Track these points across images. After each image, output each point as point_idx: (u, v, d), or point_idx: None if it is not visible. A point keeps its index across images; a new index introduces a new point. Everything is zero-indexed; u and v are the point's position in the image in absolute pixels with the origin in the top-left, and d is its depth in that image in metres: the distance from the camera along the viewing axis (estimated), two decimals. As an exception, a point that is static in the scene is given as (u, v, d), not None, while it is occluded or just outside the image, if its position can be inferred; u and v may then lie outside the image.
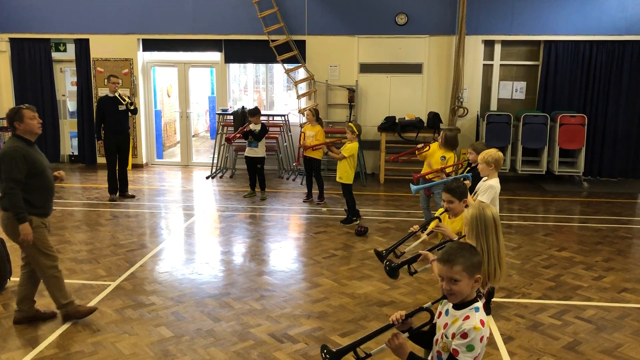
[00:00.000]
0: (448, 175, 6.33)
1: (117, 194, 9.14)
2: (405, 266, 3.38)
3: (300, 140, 9.21)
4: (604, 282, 5.84)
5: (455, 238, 3.62)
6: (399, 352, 2.51)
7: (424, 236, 3.96)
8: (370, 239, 7.22)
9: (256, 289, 5.58)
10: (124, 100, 8.98)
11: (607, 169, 11.10)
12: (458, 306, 2.47)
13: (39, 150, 4.72)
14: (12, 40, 11.73)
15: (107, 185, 9.17)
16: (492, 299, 5.09)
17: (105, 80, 9.27)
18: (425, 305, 2.63)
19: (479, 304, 2.46)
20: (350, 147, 7.66)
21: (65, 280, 5.16)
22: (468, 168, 6.07)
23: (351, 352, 2.55)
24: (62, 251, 6.52)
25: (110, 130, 8.91)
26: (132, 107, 9.05)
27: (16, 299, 4.83)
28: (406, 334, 2.56)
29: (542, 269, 6.20)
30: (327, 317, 4.96)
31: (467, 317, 2.42)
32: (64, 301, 4.76)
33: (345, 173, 7.72)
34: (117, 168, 9.06)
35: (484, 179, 4.88)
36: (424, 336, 2.68)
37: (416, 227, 3.93)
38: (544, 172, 10.63)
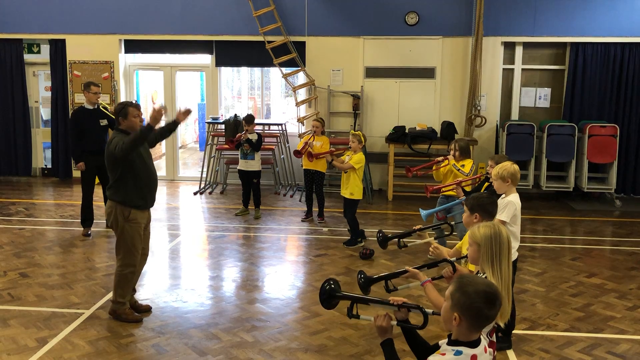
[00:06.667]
0: (467, 193, 6.29)
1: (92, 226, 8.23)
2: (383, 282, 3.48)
3: (307, 139, 8.81)
4: (639, 313, 5.79)
5: (451, 259, 3.63)
6: (380, 332, 2.76)
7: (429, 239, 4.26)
8: (377, 262, 7.19)
9: (247, 318, 5.54)
10: (109, 112, 8.01)
11: (642, 186, 11.08)
12: (448, 340, 2.51)
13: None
14: (-20, 40, 11.82)
15: (80, 217, 8.21)
16: (513, 331, 5.04)
17: (83, 88, 8.17)
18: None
19: (465, 350, 2.44)
20: (359, 158, 7.66)
21: (34, 308, 5.14)
22: (487, 184, 6.06)
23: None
24: (30, 275, 6.50)
25: (88, 151, 7.86)
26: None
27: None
28: (395, 322, 2.80)
29: (570, 298, 6.16)
30: (327, 351, 4.91)
31: (443, 354, 2.46)
32: (121, 299, 5.34)
33: (356, 188, 7.68)
34: (92, 193, 8.10)
35: (502, 196, 4.88)
36: (421, 347, 2.78)
37: (419, 226, 4.24)
38: (571, 189, 10.61)
